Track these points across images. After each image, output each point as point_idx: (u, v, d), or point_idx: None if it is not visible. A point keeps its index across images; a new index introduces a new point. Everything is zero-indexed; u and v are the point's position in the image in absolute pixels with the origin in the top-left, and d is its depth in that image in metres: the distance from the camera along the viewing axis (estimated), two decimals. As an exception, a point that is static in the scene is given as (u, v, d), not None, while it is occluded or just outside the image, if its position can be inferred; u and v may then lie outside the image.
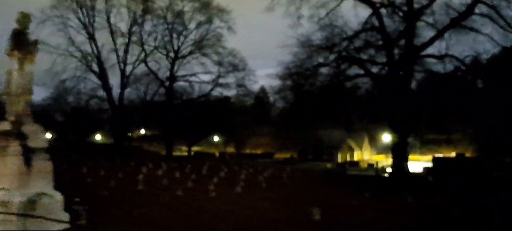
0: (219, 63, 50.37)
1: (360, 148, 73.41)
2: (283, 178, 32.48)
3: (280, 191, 23.76)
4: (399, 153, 39.50)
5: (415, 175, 40.04)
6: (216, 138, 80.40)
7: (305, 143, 76.84)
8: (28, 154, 7.81)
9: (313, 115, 72.71)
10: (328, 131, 76.31)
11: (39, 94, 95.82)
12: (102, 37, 51.41)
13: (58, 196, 8.28)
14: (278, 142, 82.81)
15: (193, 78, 53.43)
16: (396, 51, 38.68)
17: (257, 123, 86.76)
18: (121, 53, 51.49)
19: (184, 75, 51.75)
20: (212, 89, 51.13)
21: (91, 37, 50.48)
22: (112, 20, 51.08)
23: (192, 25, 51.36)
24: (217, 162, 47.75)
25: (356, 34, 38.89)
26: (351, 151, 72.26)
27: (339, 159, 71.35)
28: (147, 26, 51.45)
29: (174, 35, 51.41)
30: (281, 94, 51.43)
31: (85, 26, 50.31)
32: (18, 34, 9.08)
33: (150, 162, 37.25)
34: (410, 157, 73.45)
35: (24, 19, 9.45)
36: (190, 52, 50.75)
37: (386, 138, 67.49)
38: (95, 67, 51.73)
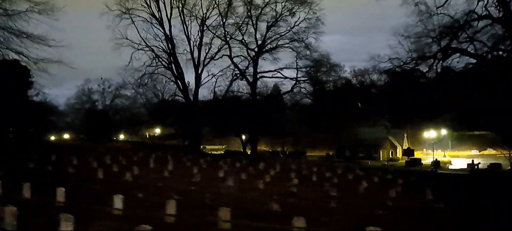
0: (306, 58, 47.44)
1: (401, 145, 73.28)
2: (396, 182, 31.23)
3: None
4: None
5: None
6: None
7: (341, 141, 76.20)
8: None
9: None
10: (366, 129, 76.12)
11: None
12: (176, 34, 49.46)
13: None
14: (303, 140, 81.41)
15: (270, 75, 50.02)
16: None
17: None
18: (194, 50, 48.91)
19: (267, 71, 49.06)
20: (295, 85, 48.52)
21: (167, 37, 47.92)
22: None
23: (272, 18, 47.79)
24: (294, 162, 45.99)
25: (468, 22, 36.67)
26: (394, 148, 71.99)
27: (381, 156, 71.06)
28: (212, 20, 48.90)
29: (258, 30, 48.20)
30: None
31: (160, 22, 47.73)
32: None
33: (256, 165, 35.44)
34: (449, 153, 74.49)
35: None
36: (275, 47, 47.99)
37: (432, 134, 67.84)
38: (168, 62, 48.78)
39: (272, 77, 49.44)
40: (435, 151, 70.06)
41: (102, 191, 17.64)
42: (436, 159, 49.20)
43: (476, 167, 44.39)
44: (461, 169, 48.06)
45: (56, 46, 34.20)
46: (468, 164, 50.82)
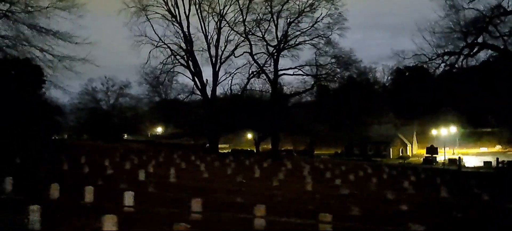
0: (327, 55, 46.46)
1: (411, 142, 72.92)
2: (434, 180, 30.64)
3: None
4: None
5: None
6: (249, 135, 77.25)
7: (349, 138, 75.63)
8: None
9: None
10: (374, 126, 75.54)
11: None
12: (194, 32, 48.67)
13: None
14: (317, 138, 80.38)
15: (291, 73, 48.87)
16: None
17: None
18: (211, 48, 47.88)
19: (288, 69, 47.94)
20: (315, 83, 47.52)
21: (185, 34, 46.88)
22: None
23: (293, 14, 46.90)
24: (316, 160, 45.23)
25: (494, 17, 36.04)
26: (404, 146, 71.51)
27: (391, 154, 70.57)
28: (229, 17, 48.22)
29: (279, 26, 47.29)
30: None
31: (178, 19, 46.70)
32: None
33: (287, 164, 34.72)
34: (458, 151, 74.12)
35: None
36: (297, 43, 46.90)
37: (443, 131, 67.31)
38: (185, 61, 47.63)
39: (293, 74, 48.57)
40: (444, 148, 69.72)
41: (161, 194, 16.81)
42: (459, 157, 48.60)
43: (500, 165, 43.97)
44: (480, 167, 47.62)
45: (82, 43, 33.02)
46: (484, 162, 50.50)
